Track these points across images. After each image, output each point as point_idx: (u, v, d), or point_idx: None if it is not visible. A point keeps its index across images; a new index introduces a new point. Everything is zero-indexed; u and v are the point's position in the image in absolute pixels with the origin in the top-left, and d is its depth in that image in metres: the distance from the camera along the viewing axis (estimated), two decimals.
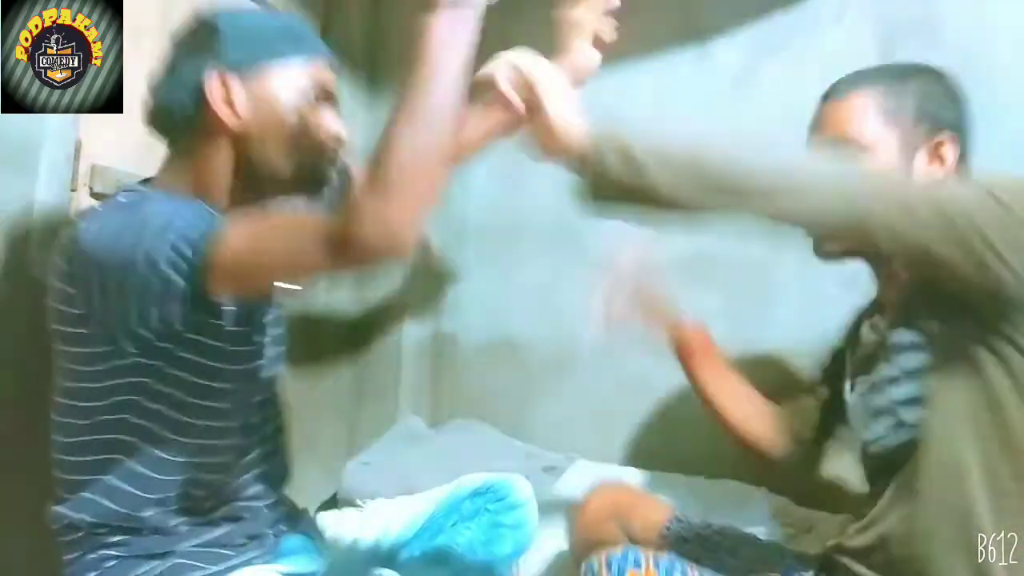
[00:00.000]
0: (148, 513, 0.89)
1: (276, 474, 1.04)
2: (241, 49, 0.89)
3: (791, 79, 1.55)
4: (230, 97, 0.88)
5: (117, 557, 0.88)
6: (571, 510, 1.24)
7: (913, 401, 0.92)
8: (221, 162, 0.91)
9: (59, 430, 0.91)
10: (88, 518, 0.88)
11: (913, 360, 0.93)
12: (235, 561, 0.93)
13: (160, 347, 0.85)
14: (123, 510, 0.88)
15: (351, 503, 1.48)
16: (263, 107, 0.90)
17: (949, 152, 0.98)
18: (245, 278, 0.82)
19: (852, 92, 1.02)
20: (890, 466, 0.95)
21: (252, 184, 0.92)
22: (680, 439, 1.58)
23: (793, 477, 1.38)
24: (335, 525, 1.18)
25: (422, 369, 1.90)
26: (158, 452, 0.89)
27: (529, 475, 1.46)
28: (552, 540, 1.32)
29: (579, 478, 1.51)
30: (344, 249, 0.75)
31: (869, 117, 1.00)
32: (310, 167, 0.93)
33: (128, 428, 0.88)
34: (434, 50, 0.77)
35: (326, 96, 0.94)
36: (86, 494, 0.88)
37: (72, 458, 0.90)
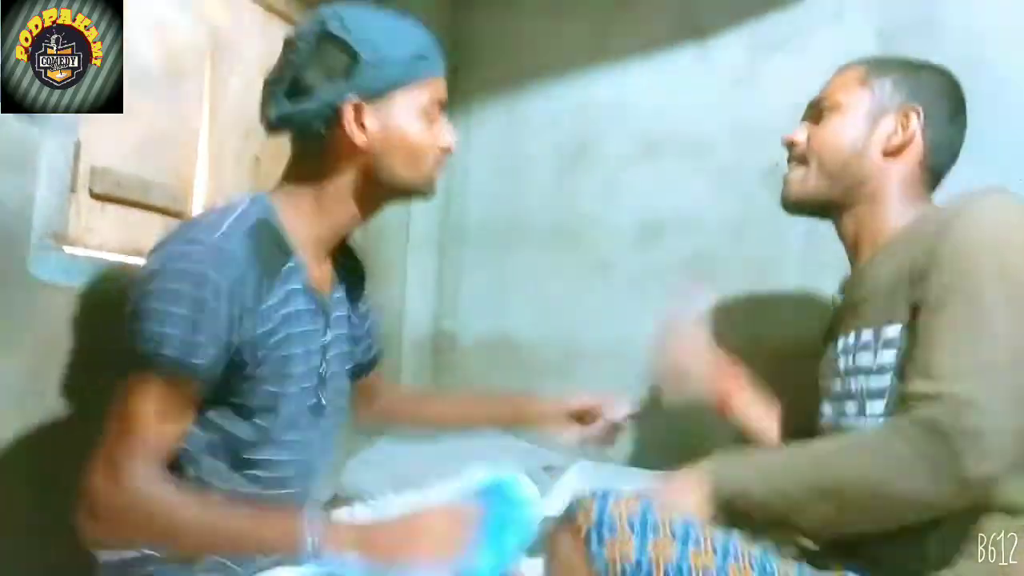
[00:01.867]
0: None
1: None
2: (374, 78, 0.98)
3: (791, 78, 1.55)
4: (362, 121, 0.98)
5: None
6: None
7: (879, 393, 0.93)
8: (346, 173, 1.01)
9: None
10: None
11: (891, 356, 0.93)
12: (264, 563, 0.96)
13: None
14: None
15: (359, 499, 1.48)
16: (390, 128, 1.00)
17: (915, 123, 1.00)
18: None
19: (849, 67, 1.08)
20: None
21: (372, 191, 1.03)
22: (680, 439, 1.57)
23: None
24: (347, 520, 1.18)
25: (422, 369, 1.90)
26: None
27: (529, 474, 1.46)
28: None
29: (579, 478, 1.51)
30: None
31: (850, 82, 1.05)
32: (425, 175, 1.05)
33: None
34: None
35: (441, 107, 1.05)
36: None
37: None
